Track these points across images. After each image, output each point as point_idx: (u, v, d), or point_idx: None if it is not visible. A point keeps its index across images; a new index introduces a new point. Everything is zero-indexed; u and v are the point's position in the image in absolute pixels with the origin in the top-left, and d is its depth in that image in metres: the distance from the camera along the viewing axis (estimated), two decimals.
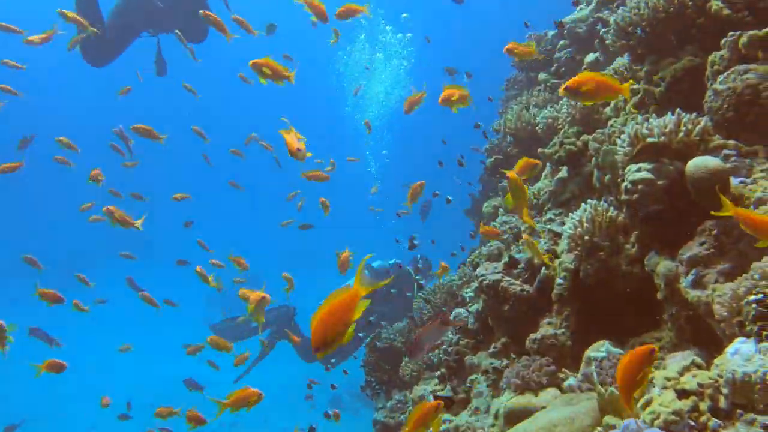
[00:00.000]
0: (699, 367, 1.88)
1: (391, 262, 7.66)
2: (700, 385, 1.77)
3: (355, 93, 6.89)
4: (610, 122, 3.28)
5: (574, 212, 2.81)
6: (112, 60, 6.48)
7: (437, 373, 3.91)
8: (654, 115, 2.70)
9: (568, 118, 3.72)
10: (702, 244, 2.25)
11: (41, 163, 6.74)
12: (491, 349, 3.26)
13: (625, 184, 2.52)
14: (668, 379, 1.82)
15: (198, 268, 4.02)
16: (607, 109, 3.59)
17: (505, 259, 3.22)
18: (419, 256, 8.12)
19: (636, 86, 3.31)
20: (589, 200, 2.76)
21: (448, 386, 3.66)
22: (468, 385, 3.41)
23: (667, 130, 2.48)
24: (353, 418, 9.92)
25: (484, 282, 3.14)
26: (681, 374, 1.84)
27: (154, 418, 5.07)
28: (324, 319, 1.50)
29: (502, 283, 3.07)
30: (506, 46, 3.25)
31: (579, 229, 2.68)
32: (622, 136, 2.67)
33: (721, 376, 1.78)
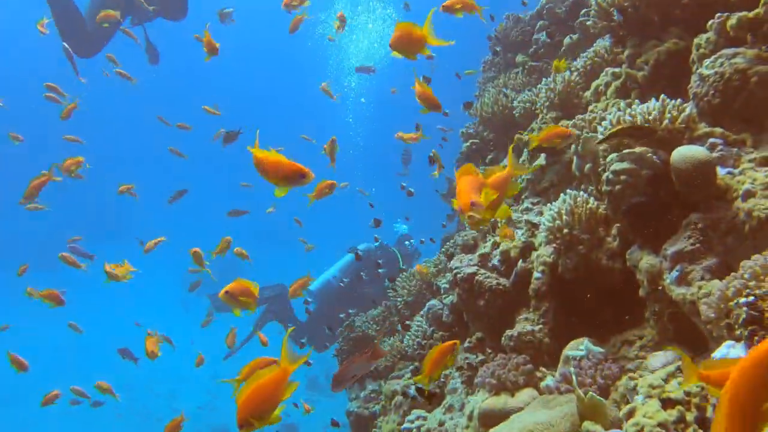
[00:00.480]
0: None
1: (376, 244, 7.57)
2: (687, 394, 1.66)
3: (322, 87, 6.69)
4: (590, 107, 3.14)
5: (553, 203, 2.68)
6: (98, 50, 6.37)
7: (411, 367, 3.79)
8: (637, 101, 2.56)
9: (547, 103, 3.58)
10: (687, 238, 2.13)
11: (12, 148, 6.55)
12: (466, 344, 3.14)
13: (606, 174, 2.39)
14: (652, 387, 1.70)
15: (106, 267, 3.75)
16: (587, 93, 3.45)
17: (481, 250, 3.08)
18: (404, 234, 8.00)
19: (617, 70, 3.18)
20: (568, 190, 2.62)
21: None
22: (442, 380, 3.29)
23: (650, 117, 2.35)
24: (329, 400, 9.84)
25: (459, 275, 3.00)
26: (666, 381, 1.72)
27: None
28: (250, 399, 1.46)
29: (477, 277, 2.94)
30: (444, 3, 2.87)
31: (558, 222, 2.55)
32: (603, 123, 2.53)
33: None
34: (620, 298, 2.47)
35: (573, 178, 3.16)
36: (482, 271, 2.96)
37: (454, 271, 3.05)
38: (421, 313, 4.38)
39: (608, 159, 2.43)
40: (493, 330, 2.93)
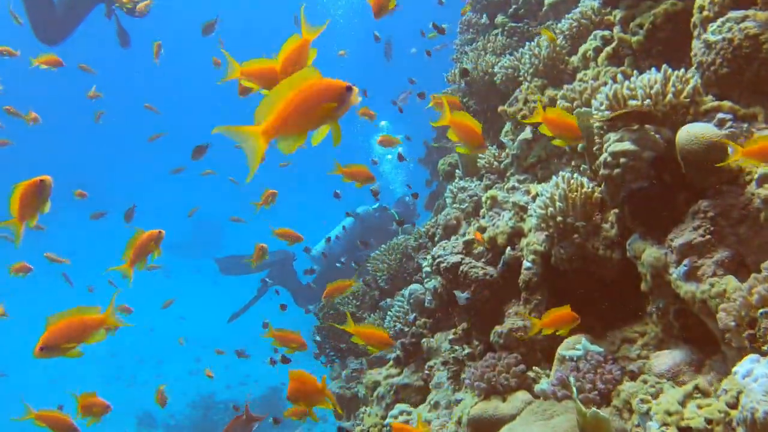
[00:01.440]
0: (704, 393, 1.55)
1: (375, 206, 7.41)
2: (708, 421, 1.45)
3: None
4: (580, 75, 2.89)
5: (544, 187, 2.44)
6: (66, 37, 6.18)
7: (393, 355, 3.59)
8: (636, 72, 2.31)
9: (531, 69, 3.31)
10: (696, 228, 1.91)
11: None
12: (451, 336, 2.93)
13: (604, 156, 2.15)
14: (669, 414, 1.49)
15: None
16: (574, 59, 3.19)
17: (467, 236, 2.85)
18: (407, 198, 7.81)
19: (607, 33, 2.92)
20: (561, 173, 2.38)
21: (405, 371, 3.34)
22: (426, 372, 3.10)
23: (653, 91, 2.10)
24: (310, 360, 9.77)
25: (442, 265, 2.77)
26: (683, 404, 1.51)
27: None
28: None
29: (462, 267, 2.70)
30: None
31: (551, 209, 2.31)
32: (598, 97, 2.28)
33: (731, 407, 1.46)
34: (618, 290, 2.26)
35: (563, 153, 2.92)
36: (467, 259, 2.73)
37: (438, 260, 2.81)
38: (402, 293, 4.17)
39: (605, 138, 2.19)
40: (480, 322, 2.72)
